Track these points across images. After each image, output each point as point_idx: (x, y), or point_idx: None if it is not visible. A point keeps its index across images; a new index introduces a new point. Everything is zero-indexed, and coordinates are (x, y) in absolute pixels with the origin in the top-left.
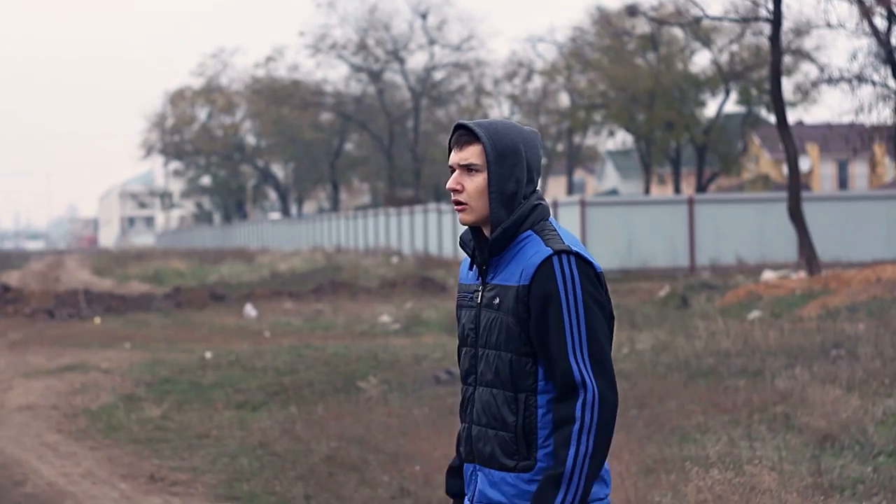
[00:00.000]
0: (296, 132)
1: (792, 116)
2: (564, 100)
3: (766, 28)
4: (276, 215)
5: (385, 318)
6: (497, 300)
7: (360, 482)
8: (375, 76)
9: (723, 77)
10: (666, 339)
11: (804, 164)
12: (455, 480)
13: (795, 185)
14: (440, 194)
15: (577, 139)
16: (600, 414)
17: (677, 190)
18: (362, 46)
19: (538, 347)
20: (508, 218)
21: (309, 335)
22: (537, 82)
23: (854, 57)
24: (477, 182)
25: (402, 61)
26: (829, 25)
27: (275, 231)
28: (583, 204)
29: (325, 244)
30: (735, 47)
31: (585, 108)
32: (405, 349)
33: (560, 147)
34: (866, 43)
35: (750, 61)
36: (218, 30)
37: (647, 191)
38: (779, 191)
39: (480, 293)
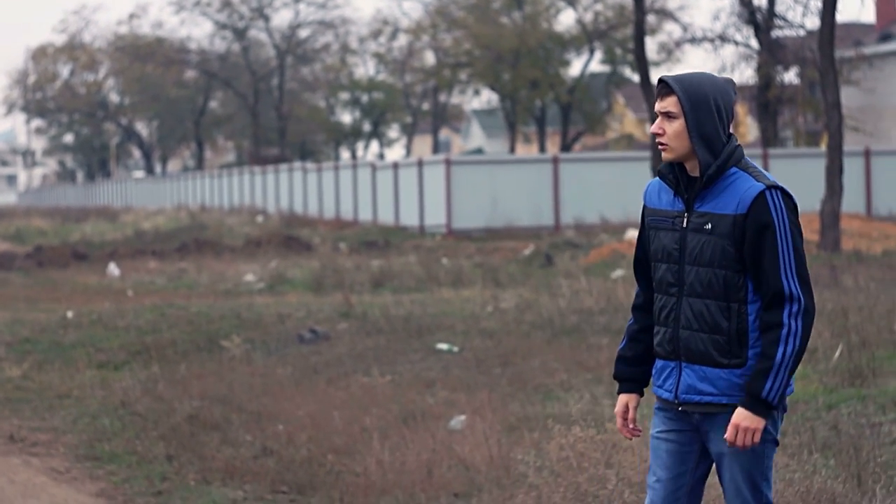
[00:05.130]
0: (160, 90)
1: (656, 76)
2: (430, 58)
3: None
4: (140, 174)
5: (249, 277)
6: (709, 225)
7: (223, 441)
8: (240, 34)
9: (587, 36)
10: (530, 298)
11: None
12: (627, 368)
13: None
14: (305, 153)
15: (442, 98)
16: (804, 322)
17: (542, 149)
18: (227, 4)
19: (751, 266)
20: (710, 155)
21: (172, 294)
22: (403, 41)
23: (717, 17)
24: (675, 126)
25: (266, 19)
26: None
27: (139, 190)
28: (448, 163)
29: (190, 203)
30: (599, 6)
31: (451, 67)
32: (269, 308)
33: (425, 106)
34: (729, 3)
35: (614, 21)
36: None
37: (512, 150)
38: (643, 150)
39: (686, 218)
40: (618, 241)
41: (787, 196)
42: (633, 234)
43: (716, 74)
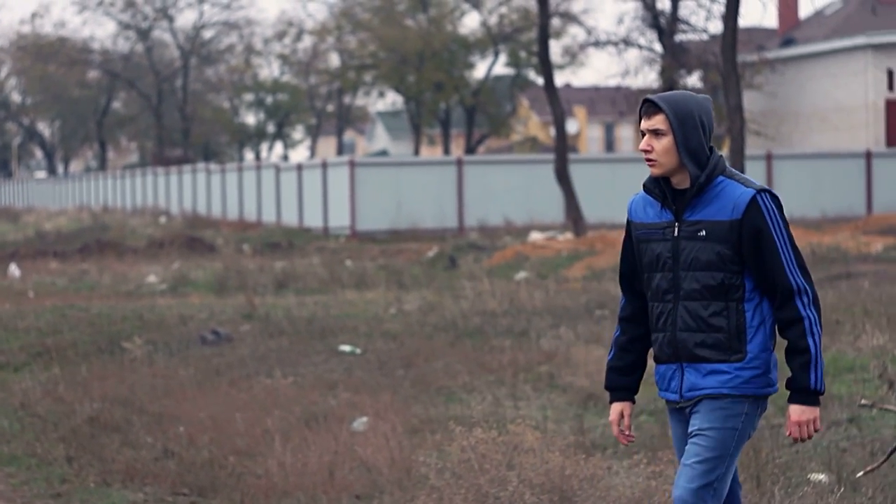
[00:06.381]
0: (62, 90)
1: (560, 79)
2: (335, 60)
3: None
4: (41, 174)
5: (152, 279)
6: (703, 232)
7: (124, 443)
8: (144, 34)
9: (492, 39)
10: (433, 300)
11: (571, 127)
12: (620, 378)
13: (562, 148)
14: (209, 154)
15: (347, 99)
16: (817, 308)
17: (447, 151)
18: (130, 4)
19: (753, 267)
20: (697, 168)
21: (74, 295)
22: (307, 42)
23: (621, 21)
24: (664, 143)
25: (170, 19)
26: None
27: (41, 190)
28: (352, 164)
29: (93, 204)
30: (504, 9)
31: (356, 69)
32: (171, 309)
33: (330, 107)
34: (633, 7)
35: (519, 24)
36: None
37: (416, 152)
38: (547, 153)
39: (677, 228)
40: (521, 244)
41: (774, 197)
42: (536, 236)
43: (693, 93)
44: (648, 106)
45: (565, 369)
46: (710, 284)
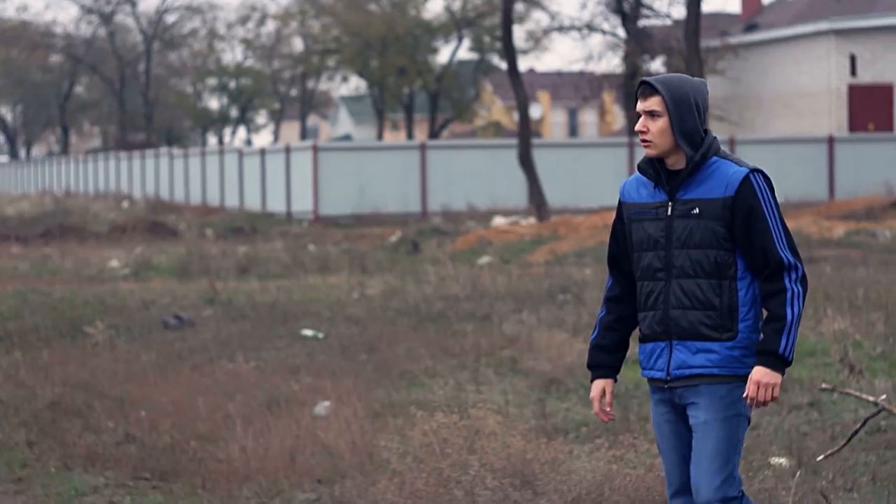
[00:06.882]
0: (24, 74)
1: (523, 64)
2: (298, 45)
3: None
4: (3, 158)
5: (114, 263)
6: (697, 210)
7: (85, 428)
8: (106, 18)
9: (456, 24)
10: (396, 285)
11: (535, 112)
12: (603, 356)
13: (526, 132)
14: (172, 139)
15: (310, 84)
16: (804, 285)
17: (410, 136)
18: None
19: (744, 243)
20: (692, 149)
21: (36, 280)
22: (271, 27)
23: (585, 6)
24: (659, 124)
25: (133, 4)
26: None
27: (2, 174)
28: (315, 149)
29: (55, 188)
30: None
31: (319, 54)
32: (134, 294)
33: (293, 92)
34: None
35: (482, 8)
36: None
37: (380, 137)
38: (510, 138)
39: (671, 207)
40: (484, 228)
41: (766, 177)
42: (499, 221)
43: (688, 76)
44: (645, 88)
45: (527, 354)
46: (703, 262)
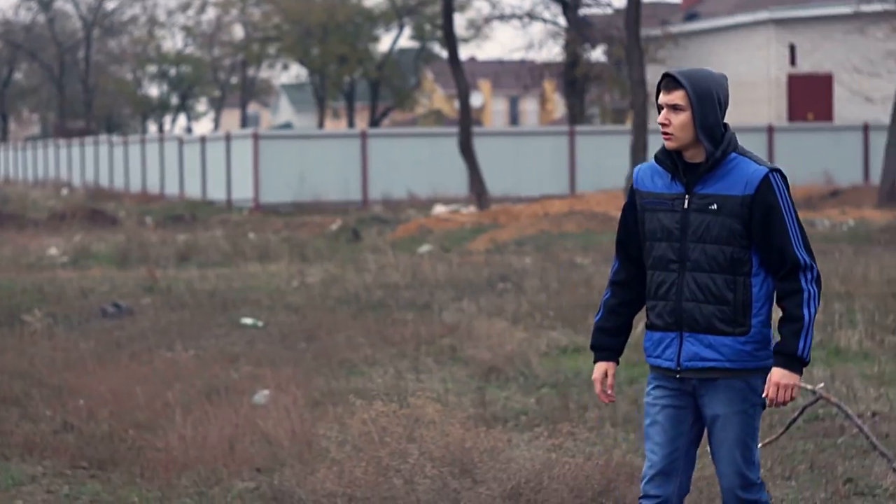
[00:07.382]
0: None
1: (464, 52)
2: (238, 32)
3: None
4: None
5: (53, 251)
6: (715, 206)
7: (23, 416)
8: (45, 5)
9: (397, 12)
10: (336, 273)
11: (476, 100)
12: (607, 338)
13: (466, 121)
14: (112, 126)
15: (251, 72)
16: (818, 285)
17: (351, 124)
18: None
19: (760, 241)
20: (712, 144)
21: None
22: (211, 14)
23: None
24: (681, 118)
25: None
26: None
27: None
28: (255, 137)
29: None
30: None
31: (259, 41)
32: (72, 282)
33: (234, 80)
34: None
35: None
36: None
37: (321, 125)
38: (451, 126)
39: (687, 200)
40: (425, 217)
41: (783, 177)
42: (440, 209)
43: (711, 70)
44: (668, 81)
45: (467, 342)
46: (718, 257)
